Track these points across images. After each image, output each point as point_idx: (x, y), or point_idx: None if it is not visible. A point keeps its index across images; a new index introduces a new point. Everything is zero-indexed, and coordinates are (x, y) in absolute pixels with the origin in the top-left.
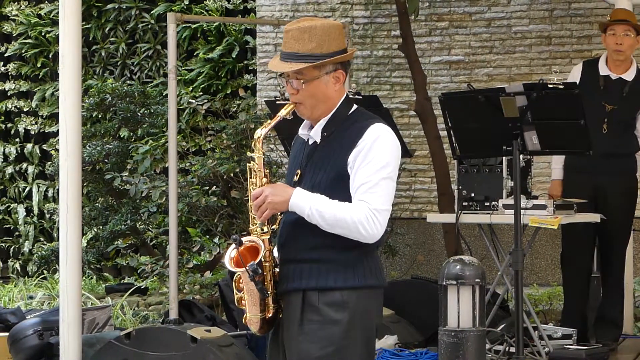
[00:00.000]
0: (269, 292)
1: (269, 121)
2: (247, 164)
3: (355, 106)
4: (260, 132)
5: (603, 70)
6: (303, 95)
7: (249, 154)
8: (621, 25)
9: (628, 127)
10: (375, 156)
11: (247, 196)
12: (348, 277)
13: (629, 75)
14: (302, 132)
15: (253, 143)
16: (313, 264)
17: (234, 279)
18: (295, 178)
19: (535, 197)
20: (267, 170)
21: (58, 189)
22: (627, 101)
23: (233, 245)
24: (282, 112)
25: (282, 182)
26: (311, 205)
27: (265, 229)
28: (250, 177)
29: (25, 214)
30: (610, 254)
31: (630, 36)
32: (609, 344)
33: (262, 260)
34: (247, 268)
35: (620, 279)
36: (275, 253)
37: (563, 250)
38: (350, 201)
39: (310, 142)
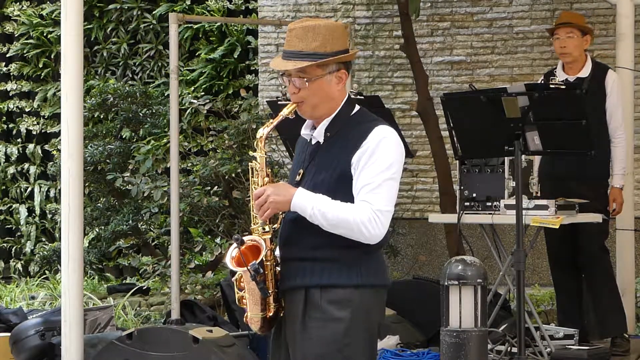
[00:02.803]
0: (270, 292)
1: (271, 120)
2: (250, 163)
3: (357, 107)
4: (262, 132)
5: (561, 76)
6: (305, 94)
7: (251, 153)
8: (564, 28)
9: (599, 131)
10: (379, 157)
11: (249, 196)
12: (351, 275)
13: (585, 73)
14: (304, 132)
15: (255, 142)
16: (316, 262)
17: (235, 278)
18: (298, 178)
19: (537, 197)
20: (269, 170)
21: (60, 189)
22: (589, 97)
23: (234, 245)
24: (285, 112)
25: (284, 182)
26: (313, 205)
27: (267, 228)
28: (252, 177)
29: (27, 214)
30: (589, 258)
31: (573, 37)
32: (620, 343)
33: (264, 259)
34: (249, 267)
35: (606, 280)
36: (277, 252)
37: (547, 252)
38: (351, 202)
39: (313, 142)
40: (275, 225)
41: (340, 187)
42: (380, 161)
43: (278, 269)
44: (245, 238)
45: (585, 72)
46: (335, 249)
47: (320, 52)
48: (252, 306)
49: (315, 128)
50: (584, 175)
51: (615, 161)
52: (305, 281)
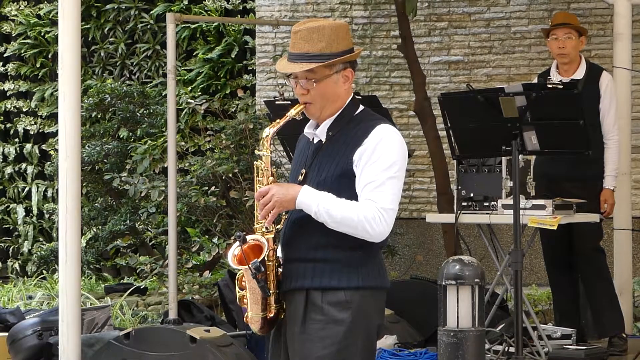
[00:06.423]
0: (271, 291)
1: (277, 120)
2: (255, 163)
3: (361, 107)
4: (268, 131)
5: (555, 77)
6: (313, 95)
7: (256, 152)
8: (562, 29)
9: (593, 132)
10: (382, 155)
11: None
12: (352, 277)
13: (580, 74)
14: (307, 130)
15: (261, 142)
16: (317, 264)
17: (237, 277)
18: (300, 177)
19: (535, 197)
20: (274, 169)
21: (57, 189)
22: (583, 99)
23: (237, 243)
24: (292, 112)
25: (284, 182)
26: (319, 202)
27: (270, 228)
28: (257, 176)
29: (24, 214)
30: (585, 258)
31: (571, 38)
32: (617, 343)
33: (266, 259)
34: (250, 265)
35: (602, 281)
36: (279, 253)
37: (543, 252)
38: (354, 199)
39: (316, 140)
40: (279, 226)
41: (342, 185)
42: (383, 159)
43: (280, 270)
44: (247, 237)
45: (580, 73)
46: (337, 250)
47: (326, 53)
48: (252, 305)
49: (317, 127)
50: (578, 176)
51: (608, 162)
52: (306, 283)
